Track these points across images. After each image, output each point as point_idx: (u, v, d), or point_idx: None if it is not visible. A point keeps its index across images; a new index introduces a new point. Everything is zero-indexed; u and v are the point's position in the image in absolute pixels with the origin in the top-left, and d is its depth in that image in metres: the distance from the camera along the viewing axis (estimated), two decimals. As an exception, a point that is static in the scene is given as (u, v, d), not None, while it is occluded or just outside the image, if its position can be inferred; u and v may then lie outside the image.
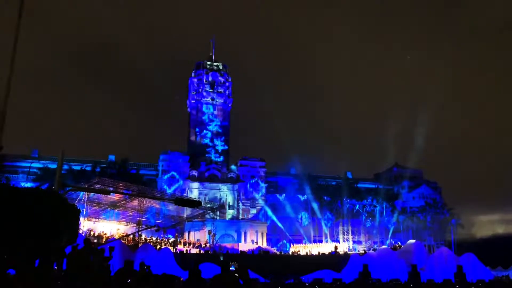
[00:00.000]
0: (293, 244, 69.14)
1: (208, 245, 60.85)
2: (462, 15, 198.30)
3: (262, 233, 72.14)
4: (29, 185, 62.63)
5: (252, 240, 68.58)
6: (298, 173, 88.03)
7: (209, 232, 63.64)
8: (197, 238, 65.72)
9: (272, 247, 68.42)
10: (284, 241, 74.91)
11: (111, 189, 45.29)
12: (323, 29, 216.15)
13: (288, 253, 64.76)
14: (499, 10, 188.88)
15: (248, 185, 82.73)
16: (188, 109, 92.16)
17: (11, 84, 7.38)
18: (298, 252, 63.07)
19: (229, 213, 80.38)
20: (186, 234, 67.35)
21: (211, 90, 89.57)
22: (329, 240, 75.59)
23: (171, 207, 60.57)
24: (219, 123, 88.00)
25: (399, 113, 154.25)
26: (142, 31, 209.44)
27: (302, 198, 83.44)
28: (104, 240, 47.19)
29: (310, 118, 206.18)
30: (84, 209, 50.01)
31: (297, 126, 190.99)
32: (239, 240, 68.67)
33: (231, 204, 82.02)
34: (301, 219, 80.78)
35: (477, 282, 35.23)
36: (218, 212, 73.47)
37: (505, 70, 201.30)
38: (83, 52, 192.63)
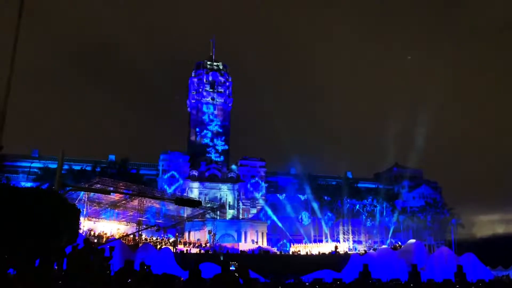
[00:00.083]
0: (293, 244, 69.20)
1: (208, 245, 60.88)
2: (462, 15, 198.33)
3: (262, 233, 72.15)
4: (29, 185, 62.64)
5: (252, 240, 68.60)
6: (298, 173, 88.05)
7: (209, 232, 63.66)
8: (197, 238, 65.73)
9: (272, 247, 68.46)
10: (284, 240, 74.96)
11: (111, 189, 45.28)
12: (323, 29, 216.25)
13: (288, 253, 64.80)
14: (499, 10, 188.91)
15: (249, 184, 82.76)
16: (188, 109, 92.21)
17: (11, 84, 7.38)
18: (298, 252, 63.09)
19: (229, 213, 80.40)
20: (186, 234, 67.38)
21: (211, 90, 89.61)
22: (329, 240, 75.62)
23: (171, 207, 60.59)
24: (219, 123, 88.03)
25: (399, 113, 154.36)
26: (142, 31, 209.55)
27: (302, 197, 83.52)
28: (104, 240, 47.20)
29: (310, 118, 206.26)
30: (84, 209, 50.02)
31: (297, 126, 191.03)
32: (239, 240, 68.70)
33: (231, 204, 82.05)
34: (301, 219, 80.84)
35: (477, 282, 35.21)
36: (218, 212, 73.51)
37: (505, 70, 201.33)
38: (83, 52, 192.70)
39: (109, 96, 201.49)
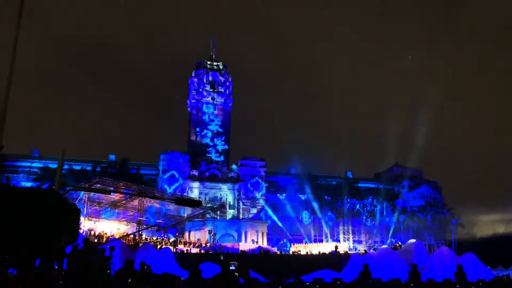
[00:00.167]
0: (293, 244, 69.18)
1: (208, 244, 60.87)
2: (462, 15, 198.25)
3: (262, 233, 72.16)
4: (29, 184, 62.64)
5: (253, 240, 68.62)
6: (298, 173, 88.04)
7: (210, 232, 63.66)
8: (198, 238, 65.74)
9: (272, 246, 68.45)
10: (285, 240, 74.94)
11: (112, 188, 45.28)
12: (323, 29, 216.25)
13: (289, 252, 64.78)
14: (499, 10, 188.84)
15: (249, 184, 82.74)
16: (189, 109, 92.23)
17: (11, 84, 7.38)
18: (299, 252, 63.09)
19: (230, 213, 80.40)
20: (186, 234, 67.38)
21: (211, 90, 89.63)
22: (329, 239, 75.61)
23: (172, 206, 60.60)
24: (219, 123, 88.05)
25: (399, 113, 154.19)
26: (142, 31, 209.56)
27: (302, 197, 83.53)
28: (104, 239, 47.20)
29: (310, 118, 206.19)
30: (85, 209, 50.00)
31: (297, 126, 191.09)
32: (239, 239, 68.71)
33: (231, 203, 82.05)
34: (301, 218, 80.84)
35: (478, 282, 35.21)
36: (218, 212, 73.49)
37: (505, 70, 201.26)
38: (83, 52, 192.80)
39: (109, 96, 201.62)
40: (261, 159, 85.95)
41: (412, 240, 60.22)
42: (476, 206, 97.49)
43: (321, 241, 74.83)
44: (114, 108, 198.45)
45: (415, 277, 36.13)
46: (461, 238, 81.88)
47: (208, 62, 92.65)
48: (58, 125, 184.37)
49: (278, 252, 63.78)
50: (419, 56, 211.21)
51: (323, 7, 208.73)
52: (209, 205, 68.42)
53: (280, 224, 78.16)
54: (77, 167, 72.77)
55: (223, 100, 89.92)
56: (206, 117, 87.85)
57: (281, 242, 74.68)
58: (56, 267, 11.16)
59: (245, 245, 62.93)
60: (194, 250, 55.99)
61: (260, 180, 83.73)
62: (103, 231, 53.07)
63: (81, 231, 41.44)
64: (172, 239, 57.69)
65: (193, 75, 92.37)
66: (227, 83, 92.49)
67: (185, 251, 53.76)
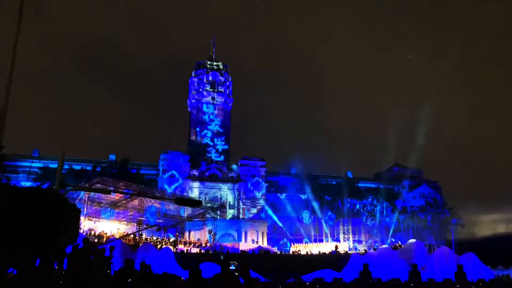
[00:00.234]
0: (293, 244, 69.19)
1: (208, 244, 60.88)
2: (463, 15, 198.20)
3: (262, 233, 72.18)
4: (29, 184, 62.66)
5: (253, 240, 68.65)
6: (298, 173, 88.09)
7: (210, 232, 63.68)
8: (198, 238, 65.78)
9: (272, 246, 68.46)
10: (285, 240, 74.93)
11: (112, 188, 45.26)
12: (323, 29, 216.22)
13: (289, 252, 64.80)
14: (499, 10, 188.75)
15: (249, 184, 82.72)
16: (189, 109, 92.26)
17: (11, 84, 7.38)
18: (299, 252, 63.11)
19: (230, 213, 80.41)
20: (186, 234, 67.41)
21: (211, 90, 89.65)
22: (329, 239, 75.64)
23: (172, 206, 60.63)
24: (219, 123, 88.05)
25: (399, 113, 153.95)
26: (142, 31, 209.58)
27: (303, 197, 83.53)
28: (104, 239, 47.22)
29: (310, 118, 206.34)
30: (85, 209, 50.03)
31: (297, 126, 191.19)
32: (239, 239, 68.74)
33: (231, 203, 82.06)
34: (302, 218, 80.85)
35: (478, 282, 35.24)
36: (218, 212, 73.53)
37: (505, 70, 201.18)
38: (83, 52, 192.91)
39: (109, 96, 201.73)
40: (261, 159, 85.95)
41: (412, 240, 60.22)
42: (476, 206, 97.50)
43: (321, 241, 74.86)
44: (114, 108, 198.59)
45: (415, 277, 36.14)
46: (461, 238, 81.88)
47: (208, 62, 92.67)
48: (58, 125, 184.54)
49: (278, 252, 63.80)
50: (419, 56, 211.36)
51: (323, 7, 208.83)
52: (209, 205, 68.44)
53: (280, 224, 78.17)
54: (77, 167, 72.84)
55: (223, 100, 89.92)
56: (206, 117, 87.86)
57: (281, 242, 74.67)
58: (56, 267, 11.16)
59: (245, 245, 62.95)
60: (194, 250, 56.01)
61: (260, 180, 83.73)
62: (103, 231, 53.09)
63: (81, 231, 41.47)
64: (172, 239, 57.72)
65: (193, 75, 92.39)
66: (227, 83, 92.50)
67: (185, 251, 53.78)
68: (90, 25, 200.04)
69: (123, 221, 60.37)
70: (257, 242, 67.62)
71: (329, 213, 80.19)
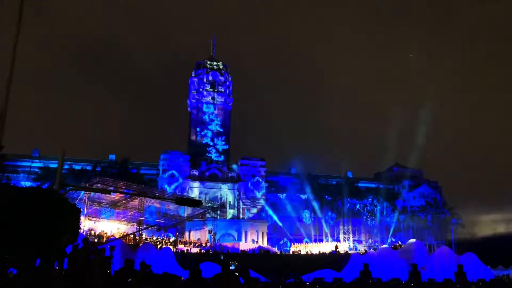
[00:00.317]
0: (293, 244, 69.19)
1: (208, 244, 60.88)
2: (463, 15, 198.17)
3: (262, 233, 72.20)
4: (29, 184, 62.66)
5: (253, 240, 68.65)
6: (298, 173, 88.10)
7: (210, 232, 63.67)
8: (198, 238, 65.77)
9: (272, 246, 68.48)
10: (285, 239, 74.94)
11: (112, 188, 45.26)
12: (323, 29, 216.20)
13: (289, 252, 64.80)
14: (499, 10, 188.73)
15: (249, 184, 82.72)
16: (189, 109, 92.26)
17: (11, 84, 7.37)
18: (299, 252, 63.10)
19: (230, 213, 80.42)
20: (186, 234, 67.40)
21: (211, 90, 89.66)
22: (329, 239, 75.64)
23: (172, 206, 60.63)
24: (219, 123, 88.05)
25: (399, 113, 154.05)
26: (142, 31, 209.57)
27: (303, 197, 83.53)
28: (104, 239, 47.23)
29: (310, 118, 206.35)
30: (85, 209, 50.02)
31: (297, 126, 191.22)
32: (239, 239, 68.75)
33: (231, 203, 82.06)
34: (302, 218, 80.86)
35: (478, 282, 35.24)
36: (218, 212, 73.53)
37: (505, 70, 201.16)
38: (83, 52, 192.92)
39: (109, 96, 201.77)
40: (261, 158, 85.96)
41: (412, 240, 60.22)
42: (476, 206, 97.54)
43: (321, 240, 74.86)
44: (114, 108, 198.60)
45: (415, 277, 36.15)
46: (461, 238, 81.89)
47: (208, 62, 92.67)
48: (58, 125, 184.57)
49: (278, 252, 63.80)
50: (419, 56, 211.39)
51: (323, 7, 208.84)
52: (209, 204, 68.45)
53: (280, 224, 78.17)
54: (77, 167, 72.86)
55: (223, 100, 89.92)
56: (206, 117, 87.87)
57: (281, 241, 74.70)
58: (56, 267, 11.16)
59: (245, 245, 62.96)
60: (194, 250, 56.00)
61: (260, 180, 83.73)
62: (103, 231, 53.09)
63: (81, 231, 41.48)
64: (172, 239, 57.72)
65: (193, 75, 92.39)
66: (227, 83, 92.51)
67: (185, 251, 53.78)
68: (90, 25, 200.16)
69: (123, 221, 60.38)
70: (257, 242, 67.62)
71: (329, 213, 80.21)
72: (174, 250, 49.49)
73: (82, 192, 49.11)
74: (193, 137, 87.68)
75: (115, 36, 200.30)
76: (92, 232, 49.98)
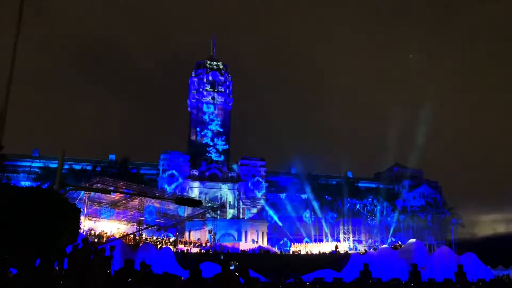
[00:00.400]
0: (293, 244, 69.16)
1: (208, 244, 60.87)
2: (463, 15, 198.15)
3: (262, 233, 72.18)
4: (29, 184, 62.65)
5: (253, 240, 68.64)
6: (298, 173, 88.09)
7: (210, 232, 63.65)
8: (198, 238, 65.75)
9: (272, 246, 68.46)
10: (285, 239, 74.93)
11: (112, 188, 45.25)
12: (323, 29, 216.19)
13: (289, 252, 64.79)
14: (499, 10, 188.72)
15: (249, 184, 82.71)
16: (189, 109, 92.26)
17: (11, 84, 7.37)
18: (299, 252, 63.08)
19: (230, 213, 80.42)
20: (186, 234, 67.37)
21: (211, 90, 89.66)
22: (329, 239, 75.62)
23: (172, 206, 60.61)
24: (219, 123, 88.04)
25: (399, 113, 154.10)
26: (142, 31, 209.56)
27: (303, 197, 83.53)
28: (104, 239, 47.23)
29: (310, 118, 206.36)
30: (85, 209, 50.00)
31: (297, 126, 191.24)
32: (239, 239, 68.73)
33: (231, 203, 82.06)
34: (302, 218, 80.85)
35: (478, 282, 35.23)
36: (218, 212, 73.51)
37: (505, 70, 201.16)
38: (83, 52, 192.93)
39: (109, 96, 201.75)
40: (261, 158, 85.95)
41: (412, 240, 60.20)
42: (476, 206, 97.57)
43: (321, 240, 74.84)
44: (114, 108, 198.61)
45: (415, 277, 36.14)
46: (461, 238, 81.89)
47: (208, 62, 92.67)
48: (58, 125, 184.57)
49: (278, 252, 63.79)
50: (419, 56, 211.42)
51: (323, 7, 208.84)
52: (209, 204, 68.44)
53: (280, 224, 78.15)
54: (77, 167, 72.86)
55: (223, 100, 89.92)
56: (206, 117, 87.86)
57: (281, 241, 74.68)
58: (56, 267, 11.16)
59: (245, 245, 62.95)
60: (194, 250, 55.99)
61: (260, 180, 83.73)
62: (103, 231, 53.07)
63: (81, 231, 41.46)
64: (172, 239, 57.71)
65: (193, 75, 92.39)
66: (227, 83, 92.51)
67: (185, 251, 53.76)
68: (90, 25, 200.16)
69: (123, 221, 60.37)
70: (257, 242, 67.61)
71: (329, 213, 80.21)
72: (174, 250, 49.47)
73: (82, 192, 49.10)
74: (193, 137, 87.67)
75: (115, 36, 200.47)
76: (92, 232, 49.96)
